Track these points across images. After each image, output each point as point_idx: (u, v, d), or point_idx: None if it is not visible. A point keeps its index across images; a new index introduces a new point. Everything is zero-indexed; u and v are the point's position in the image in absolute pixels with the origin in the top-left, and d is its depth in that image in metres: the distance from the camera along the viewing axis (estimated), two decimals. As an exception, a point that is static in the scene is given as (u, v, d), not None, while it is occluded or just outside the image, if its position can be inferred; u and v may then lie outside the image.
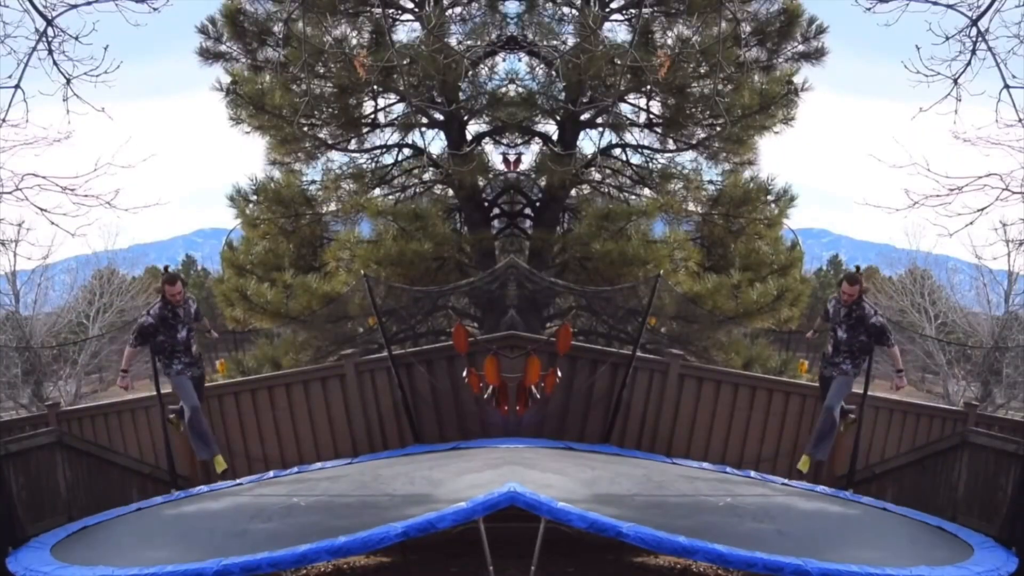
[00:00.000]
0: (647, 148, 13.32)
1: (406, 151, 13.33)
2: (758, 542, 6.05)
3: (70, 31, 6.81)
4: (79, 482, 8.02)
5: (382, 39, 11.34)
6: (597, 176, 13.54)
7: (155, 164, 9.08)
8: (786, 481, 8.83)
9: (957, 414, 10.12)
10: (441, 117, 12.73)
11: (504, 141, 12.60)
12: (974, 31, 6.80)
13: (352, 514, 7.01)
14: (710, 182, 13.21)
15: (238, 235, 13.88)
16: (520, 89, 12.31)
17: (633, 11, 12.57)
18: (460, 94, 12.45)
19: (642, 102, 13.03)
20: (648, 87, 12.34)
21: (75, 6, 6.79)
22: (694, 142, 12.92)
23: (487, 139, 12.81)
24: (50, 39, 6.77)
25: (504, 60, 12.54)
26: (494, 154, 12.73)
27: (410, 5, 12.90)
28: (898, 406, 10.38)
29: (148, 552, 6.37)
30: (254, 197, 12.89)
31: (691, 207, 12.92)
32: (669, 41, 12.22)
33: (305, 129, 12.52)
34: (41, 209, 7.34)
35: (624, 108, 13.00)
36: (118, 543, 6.86)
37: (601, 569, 7.37)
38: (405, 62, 11.41)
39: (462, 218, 13.25)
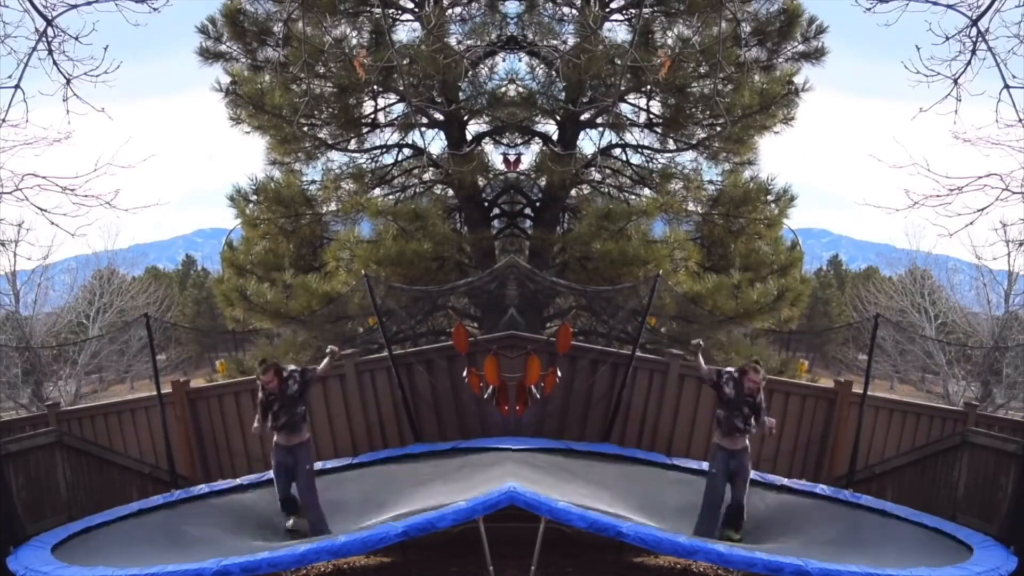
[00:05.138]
0: (647, 148, 13.32)
1: (406, 151, 13.32)
2: (758, 542, 6.06)
3: (70, 31, 6.80)
4: (79, 482, 8.04)
5: (382, 39, 11.32)
6: (597, 176, 13.53)
7: (155, 164, 9.05)
8: (786, 481, 8.84)
9: (957, 414, 10.12)
10: (441, 117, 12.72)
11: (504, 141, 12.60)
12: (974, 31, 6.80)
13: (352, 514, 7.03)
14: (710, 182, 13.20)
15: (238, 235, 13.89)
16: (520, 89, 12.30)
17: (633, 11, 12.56)
18: (460, 94, 12.44)
19: (642, 102, 13.02)
20: (648, 87, 12.33)
21: (75, 6, 6.78)
22: (694, 142, 12.91)
23: (487, 139, 12.80)
24: (50, 39, 6.76)
25: (504, 60, 12.55)
26: (494, 154, 12.75)
27: (410, 5, 12.89)
28: (898, 406, 10.39)
29: (148, 552, 6.38)
30: (254, 197, 12.88)
31: (691, 207, 12.91)
32: (669, 41, 12.21)
33: (305, 129, 12.51)
34: (41, 209, 7.32)
35: (624, 108, 13.01)
36: (118, 543, 6.87)
37: (601, 569, 7.38)
38: (405, 62, 11.40)
39: (462, 218, 13.24)
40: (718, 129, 12.51)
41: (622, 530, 5.76)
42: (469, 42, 12.20)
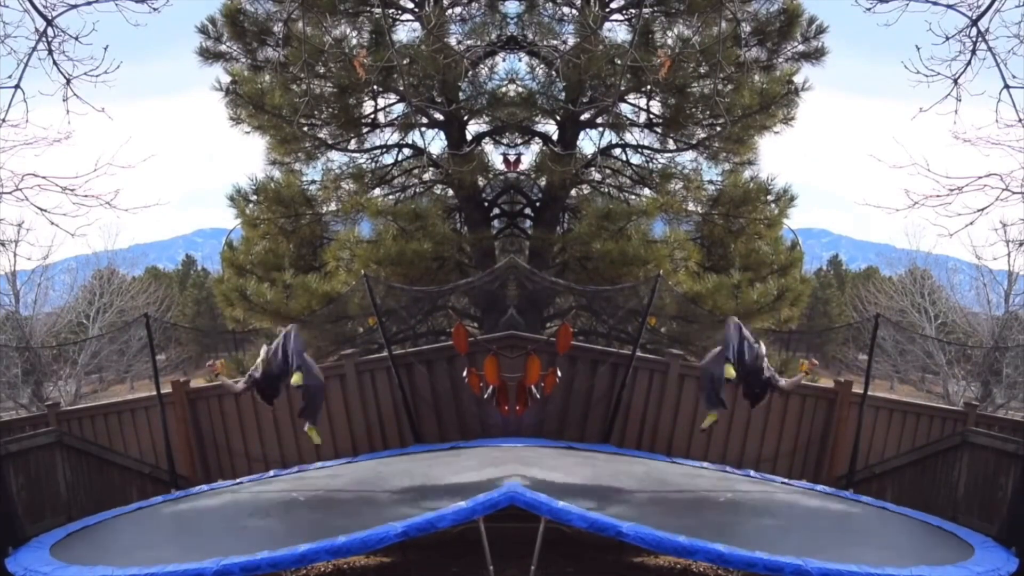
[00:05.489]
0: (647, 148, 13.31)
1: (406, 151, 13.32)
2: (758, 542, 6.05)
3: (70, 31, 6.78)
4: (79, 482, 8.03)
5: (382, 39, 11.32)
6: (597, 176, 13.51)
7: (155, 164, 9.05)
8: (786, 481, 8.84)
9: (957, 414, 10.13)
10: (441, 117, 12.71)
11: (504, 141, 12.59)
12: (974, 31, 6.79)
13: (352, 514, 7.02)
14: (710, 182, 13.19)
15: (238, 235, 13.88)
16: (520, 89, 12.30)
17: (633, 11, 12.56)
18: (460, 94, 12.44)
19: (642, 102, 13.01)
20: (648, 87, 12.33)
21: (75, 6, 6.77)
22: (694, 142, 12.90)
23: (487, 139, 12.80)
24: (50, 39, 6.74)
25: (504, 60, 12.54)
26: (494, 154, 12.73)
27: (410, 5, 12.89)
28: (898, 406, 10.40)
29: (148, 552, 6.38)
30: (254, 197, 12.88)
31: (691, 207, 12.90)
32: (669, 41, 12.21)
33: (305, 129, 12.50)
34: (41, 209, 7.32)
35: (624, 108, 12.99)
36: (118, 543, 6.88)
37: (601, 569, 7.37)
38: (405, 62, 11.40)
39: (462, 218, 13.24)
40: (718, 129, 12.51)
41: (622, 530, 5.75)
42: (469, 42, 12.20)
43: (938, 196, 7.36)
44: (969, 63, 6.81)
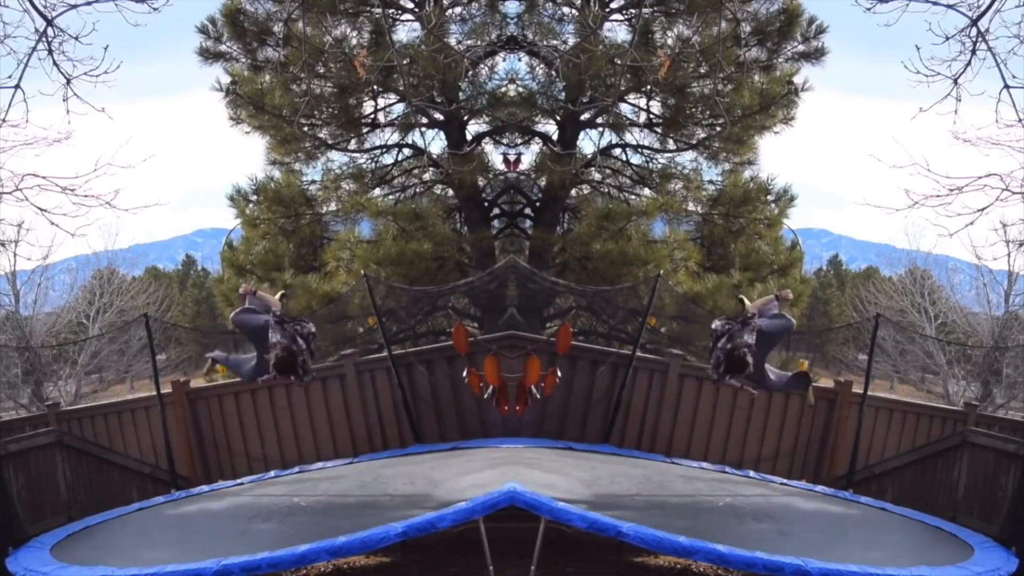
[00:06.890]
0: (647, 148, 13.32)
1: (406, 151, 13.34)
2: (758, 542, 6.05)
3: (70, 31, 6.78)
4: (79, 482, 8.03)
5: (382, 39, 11.34)
6: (597, 176, 13.53)
7: (155, 164, 9.06)
8: (785, 481, 8.84)
9: (957, 414, 10.13)
10: (441, 117, 12.72)
11: (504, 141, 12.60)
12: (974, 31, 6.79)
13: (352, 514, 7.02)
14: (710, 182, 13.22)
15: (238, 235, 13.89)
16: (520, 89, 12.32)
17: (633, 11, 12.57)
18: (460, 94, 12.45)
19: (642, 102, 13.04)
20: (648, 87, 12.34)
21: (75, 6, 6.77)
22: (694, 142, 12.92)
23: (487, 139, 12.81)
24: (50, 39, 6.74)
25: (504, 60, 12.57)
26: (494, 154, 12.76)
27: (410, 5, 12.90)
28: (898, 406, 10.39)
29: (148, 552, 6.38)
30: (254, 197, 12.90)
31: (691, 207, 12.92)
32: (669, 41, 12.22)
33: (305, 129, 12.52)
34: (41, 209, 7.32)
35: (624, 108, 13.02)
36: (118, 543, 6.87)
37: (601, 569, 7.37)
38: (405, 62, 11.41)
39: (462, 218, 13.25)
40: (718, 129, 12.52)
41: (622, 530, 5.74)
42: (469, 42, 12.21)
43: (938, 196, 7.36)
44: (969, 63, 6.81)
